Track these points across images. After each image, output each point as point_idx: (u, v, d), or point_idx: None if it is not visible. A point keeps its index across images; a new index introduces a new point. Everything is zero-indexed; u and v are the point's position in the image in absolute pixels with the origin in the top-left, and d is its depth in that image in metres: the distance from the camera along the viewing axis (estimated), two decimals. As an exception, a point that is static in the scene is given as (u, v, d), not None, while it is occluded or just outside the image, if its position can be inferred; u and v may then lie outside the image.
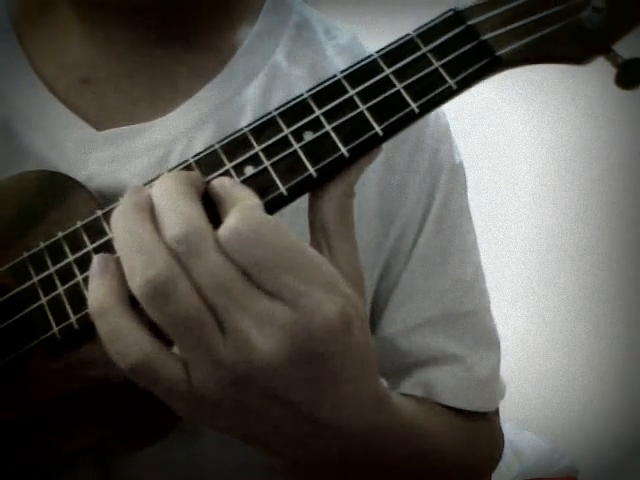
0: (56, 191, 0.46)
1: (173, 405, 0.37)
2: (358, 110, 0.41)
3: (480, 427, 0.59)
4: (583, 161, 2.10)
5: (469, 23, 0.41)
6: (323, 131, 0.41)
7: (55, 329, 0.42)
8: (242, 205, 0.35)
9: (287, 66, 0.54)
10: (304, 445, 0.39)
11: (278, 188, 0.40)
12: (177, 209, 0.35)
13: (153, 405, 0.44)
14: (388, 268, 0.57)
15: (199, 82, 0.52)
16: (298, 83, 0.54)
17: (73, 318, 0.42)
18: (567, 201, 2.12)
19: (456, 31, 0.41)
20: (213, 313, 0.34)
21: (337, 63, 0.55)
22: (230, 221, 0.34)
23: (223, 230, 0.34)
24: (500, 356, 0.62)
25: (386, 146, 0.41)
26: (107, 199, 0.47)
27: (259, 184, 0.41)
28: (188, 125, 0.51)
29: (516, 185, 2.14)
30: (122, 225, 0.36)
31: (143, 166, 0.50)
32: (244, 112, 0.52)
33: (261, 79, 0.53)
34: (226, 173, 0.41)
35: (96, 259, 0.37)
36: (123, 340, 0.35)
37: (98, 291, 0.36)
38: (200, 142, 0.51)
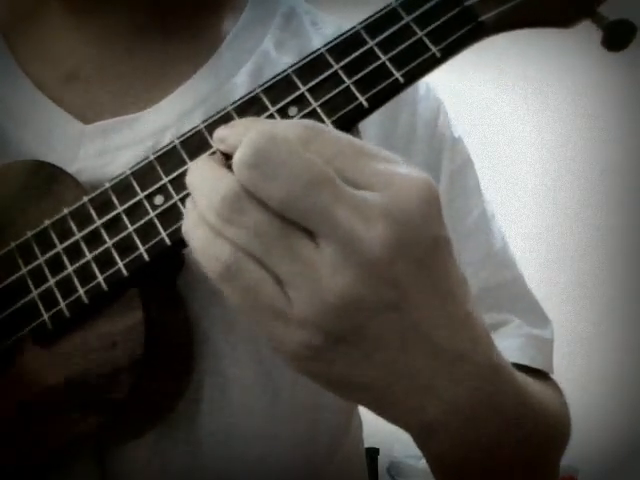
0: (42, 180, 0.46)
1: (274, 332, 0.33)
2: (344, 85, 0.41)
3: (559, 390, 0.55)
4: (583, 161, 2.10)
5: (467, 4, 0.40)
6: (310, 108, 0.40)
7: (46, 316, 0.42)
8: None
9: (276, 54, 0.54)
10: (423, 392, 0.35)
11: None
12: (242, 127, 0.36)
13: (149, 389, 0.44)
14: None
15: (187, 72, 0.52)
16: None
17: (63, 304, 0.42)
18: (567, 201, 2.11)
19: None
20: (300, 223, 0.32)
21: None
22: (298, 124, 0.34)
23: (294, 131, 0.33)
24: (546, 316, 0.59)
25: (384, 121, 0.40)
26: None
27: None
28: (177, 115, 0.51)
29: (516, 185, 2.14)
30: (195, 169, 0.36)
31: (132, 158, 0.49)
32: (233, 99, 0.51)
33: (250, 66, 0.53)
34: (212, 154, 0.41)
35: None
36: (215, 244, 0.33)
37: (190, 211, 0.35)
38: None
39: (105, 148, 0.50)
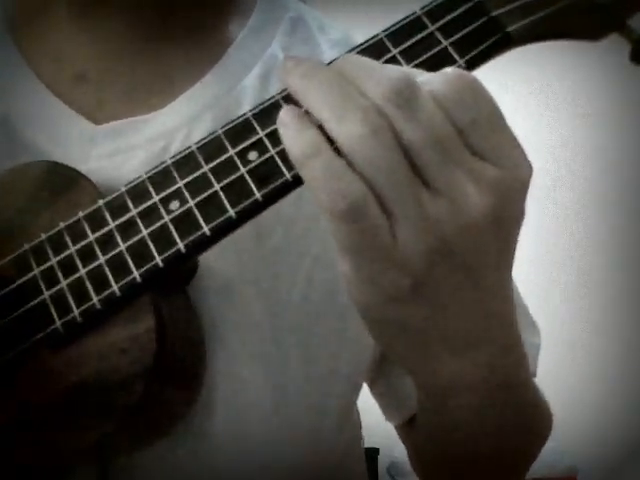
0: (58, 182, 0.46)
1: (370, 273, 0.35)
2: None
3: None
4: (583, 161, 2.10)
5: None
6: None
7: (58, 323, 0.42)
8: (453, 69, 0.36)
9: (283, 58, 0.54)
10: (472, 348, 0.38)
11: (283, 175, 0.39)
12: (377, 68, 0.35)
13: (161, 397, 0.43)
14: None
15: (196, 75, 0.52)
16: None
17: (76, 312, 0.41)
18: (567, 201, 2.11)
19: (465, 7, 0.40)
20: (421, 171, 0.34)
21: (331, 57, 0.55)
22: (448, 76, 0.35)
23: (439, 84, 0.34)
24: (534, 322, 0.62)
25: None
26: (109, 191, 0.46)
27: (263, 171, 0.40)
28: (187, 116, 0.51)
29: (516, 185, 2.14)
30: (319, 84, 0.35)
31: (143, 159, 0.49)
32: (243, 102, 0.52)
33: (258, 69, 0.53)
34: (229, 158, 0.40)
35: (285, 111, 0.37)
36: (342, 178, 0.33)
37: (304, 135, 0.35)
38: (199, 133, 0.50)
39: (117, 149, 0.50)
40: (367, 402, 0.60)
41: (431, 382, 0.41)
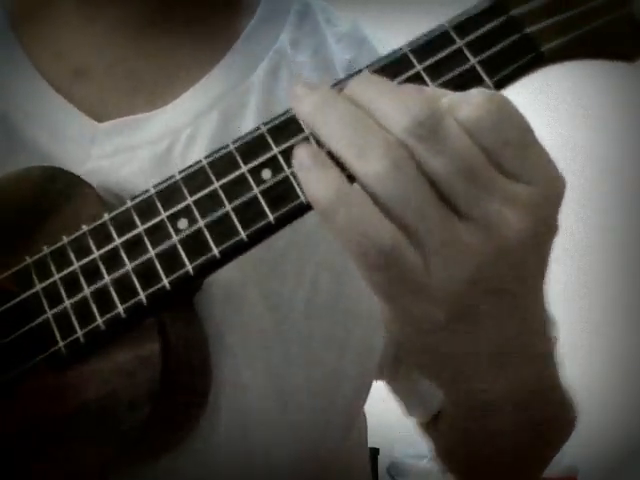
0: (61, 190, 0.45)
1: (404, 309, 0.34)
2: None
3: None
4: (583, 161, 2.10)
5: (511, 13, 0.38)
6: None
7: (61, 344, 0.41)
8: (478, 90, 0.34)
9: (291, 52, 0.53)
10: (509, 365, 0.39)
11: (298, 197, 0.38)
12: (397, 96, 0.33)
13: (166, 418, 0.42)
14: None
15: (200, 71, 0.51)
16: (302, 69, 0.53)
17: (80, 332, 0.40)
18: (567, 201, 2.11)
19: (496, 22, 0.38)
20: (451, 201, 0.33)
21: (337, 50, 0.55)
22: (476, 99, 0.33)
23: (467, 109, 0.33)
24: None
25: None
26: (111, 192, 0.46)
27: (277, 192, 0.38)
28: (192, 113, 0.50)
29: (516, 185, 2.14)
30: (335, 117, 0.34)
31: (147, 157, 0.49)
32: (249, 98, 0.51)
33: (266, 65, 0.52)
34: (241, 176, 0.39)
35: (302, 151, 0.34)
36: (371, 225, 0.32)
37: (326, 180, 0.33)
38: (205, 131, 0.49)
39: (119, 148, 0.49)
40: (367, 402, 0.60)
41: (467, 401, 0.42)
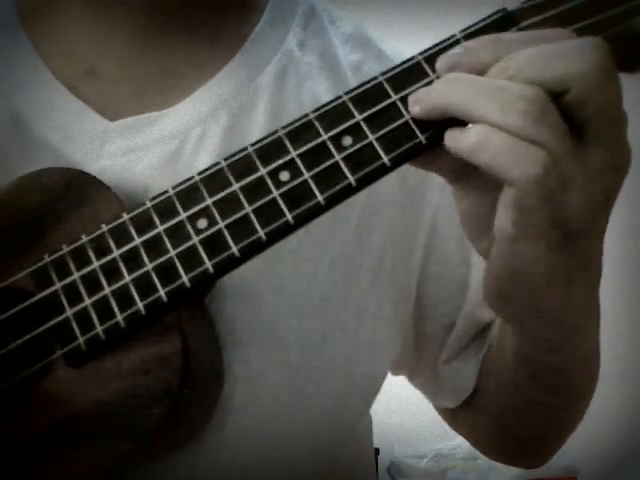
0: (78, 191, 0.45)
1: (539, 226, 0.37)
2: (403, 119, 0.40)
3: None
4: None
5: (521, 26, 0.39)
6: (366, 141, 0.40)
7: (81, 340, 0.41)
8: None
9: (299, 53, 0.54)
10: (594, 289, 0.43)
11: (315, 198, 0.40)
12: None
13: (183, 415, 0.43)
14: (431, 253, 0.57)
15: (209, 71, 0.52)
16: (310, 70, 0.54)
17: (99, 329, 0.41)
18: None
19: (494, 17, 0.40)
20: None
21: (344, 51, 0.55)
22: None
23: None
24: None
25: None
26: (122, 190, 0.46)
27: (295, 194, 0.40)
28: (202, 113, 0.50)
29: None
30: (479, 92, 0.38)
31: (158, 155, 0.49)
32: (258, 99, 0.51)
33: (274, 66, 0.53)
34: (260, 178, 0.40)
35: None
36: (527, 146, 0.36)
37: (472, 128, 0.38)
38: (214, 131, 0.50)
39: (130, 146, 0.49)
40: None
41: (540, 335, 0.45)
